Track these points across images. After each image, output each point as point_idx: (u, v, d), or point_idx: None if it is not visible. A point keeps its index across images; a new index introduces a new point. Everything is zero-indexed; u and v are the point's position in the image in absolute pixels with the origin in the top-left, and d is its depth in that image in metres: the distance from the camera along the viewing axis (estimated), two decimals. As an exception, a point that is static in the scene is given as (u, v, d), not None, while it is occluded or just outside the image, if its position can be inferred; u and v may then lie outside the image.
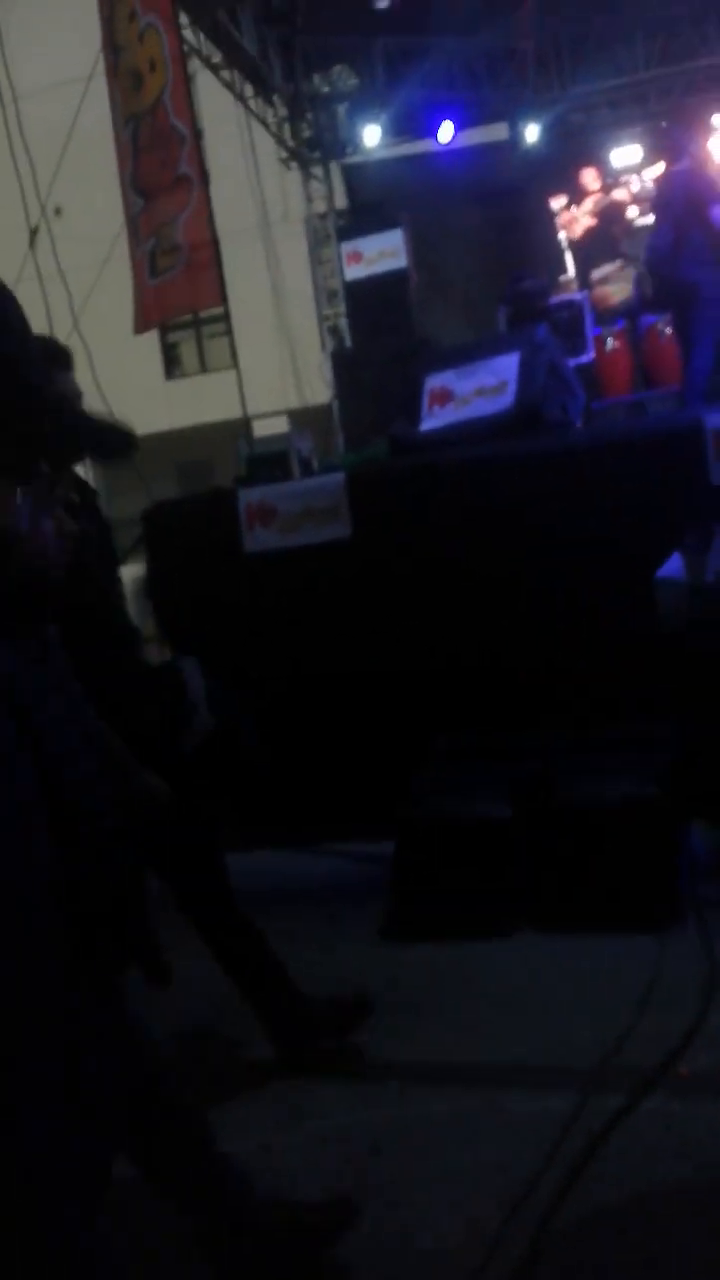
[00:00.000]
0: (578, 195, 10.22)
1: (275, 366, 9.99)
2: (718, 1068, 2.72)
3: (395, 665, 4.47)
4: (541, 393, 4.83)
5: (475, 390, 4.99)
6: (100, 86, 7.81)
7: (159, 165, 7.12)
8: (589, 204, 10.01)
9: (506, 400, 4.89)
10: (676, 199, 6.97)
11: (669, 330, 8.14)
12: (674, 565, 4.28)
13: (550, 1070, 2.81)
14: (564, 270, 10.19)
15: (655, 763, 3.77)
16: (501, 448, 4.69)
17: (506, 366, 4.97)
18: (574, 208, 10.23)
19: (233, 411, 10.88)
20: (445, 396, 5.10)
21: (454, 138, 10.74)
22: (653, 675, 4.08)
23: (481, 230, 10.46)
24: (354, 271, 8.49)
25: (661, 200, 7.50)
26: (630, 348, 8.82)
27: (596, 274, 9.48)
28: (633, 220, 10.00)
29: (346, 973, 3.33)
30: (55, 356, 2.84)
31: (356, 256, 8.46)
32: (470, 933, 3.48)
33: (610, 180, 10.35)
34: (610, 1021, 2.92)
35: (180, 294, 7.14)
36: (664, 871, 3.52)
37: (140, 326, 7.71)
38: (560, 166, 10.60)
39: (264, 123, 10.65)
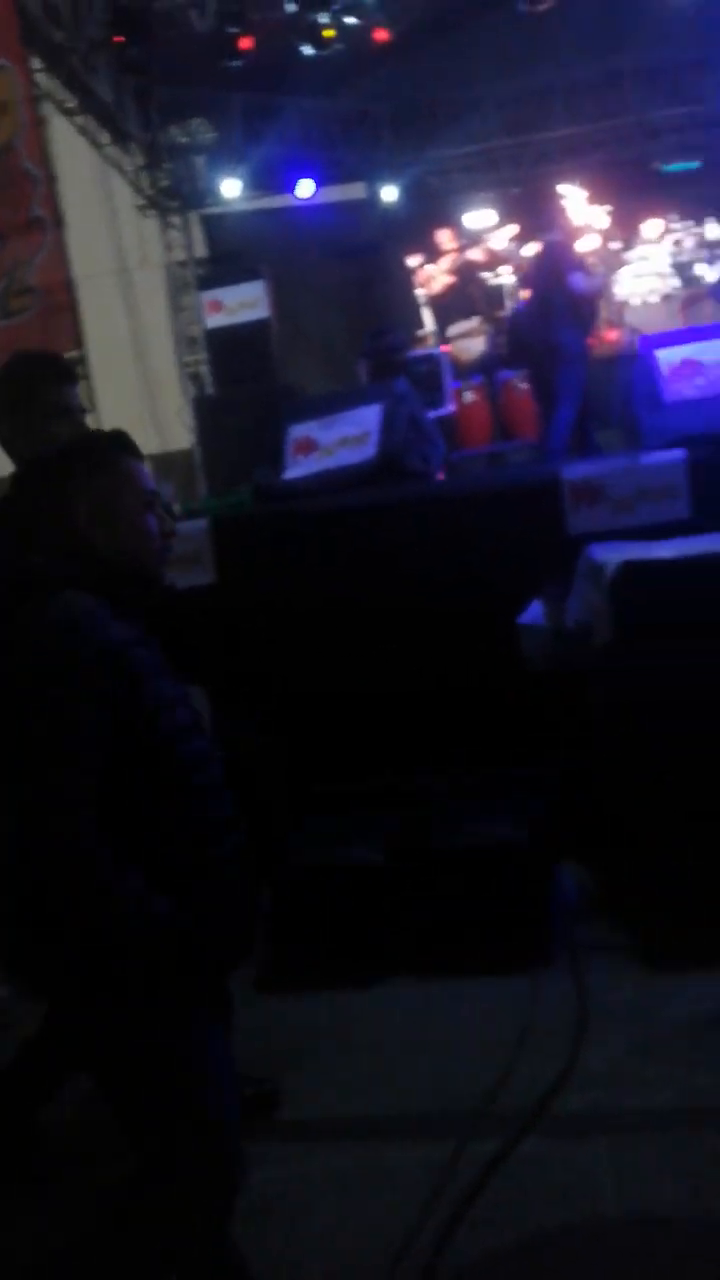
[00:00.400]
0: (434, 254, 10.55)
1: (135, 412, 9.89)
2: (589, 1109, 2.75)
3: (266, 713, 4.43)
4: (403, 443, 4.93)
5: (339, 440, 5.06)
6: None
7: (11, 207, 7.05)
8: (445, 262, 10.34)
9: (369, 450, 4.98)
10: (545, 267, 7.45)
11: (524, 385, 8.47)
12: (535, 611, 4.40)
13: (428, 1118, 2.79)
14: (421, 325, 10.47)
15: (529, 806, 3.83)
16: (365, 496, 4.75)
17: (369, 417, 5.06)
18: (429, 266, 10.55)
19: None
20: (309, 446, 5.15)
21: (314, 194, 10.96)
22: (528, 720, 4.17)
23: (341, 284, 10.69)
24: (215, 320, 8.51)
25: (533, 268, 7.99)
26: (488, 401, 9.11)
27: (453, 330, 9.77)
28: (486, 280, 10.39)
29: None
30: (65, 372, 2.83)
31: (217, 306, 8.49)
32: (347, 981, 3.44)
33: (465, 241, 10.72)
34: (487, 1066, 2.92)
35: (34, 336, 7.03)
36: (536, 914, 3.57)
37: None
38: (417, 226, 10.94)
39: (120, 170, 10.64)
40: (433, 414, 6.60)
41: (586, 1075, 2.88)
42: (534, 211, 11.10)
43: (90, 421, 9.15)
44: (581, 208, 10.85)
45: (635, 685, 3.59)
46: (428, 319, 10.46)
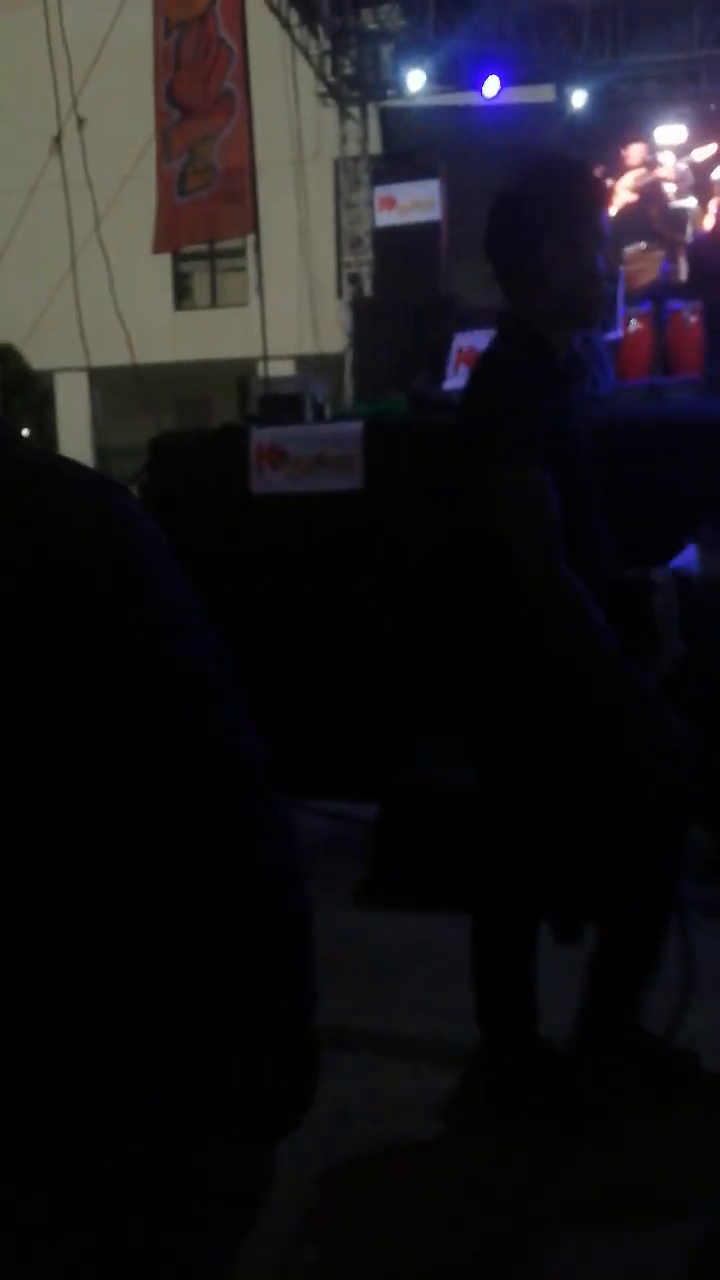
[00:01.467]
0: (618, 169, 10.00)
1: (291, 309, 9.73)
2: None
3: (398, 627, 4.37)
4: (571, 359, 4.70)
5: (505, 353, 4.86)
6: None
7: (202, 79, 6.82)
8: (629, 179, 9.80)
9: (536, 367, 4.77)
10: None
11: (694, 318, 8.02)
12: (689, 556, 4.20)
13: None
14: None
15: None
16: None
17: (539, 333, 4.84)
18: (612, 181, 10.01)
19: (241, 350, 10.65)
20: (474, 356, 4.96)
21: (499, 93, 10.46)
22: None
23: (517, 193, 10.22)
24: (385, 218, 8.25)
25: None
26: (653, 330, 8.67)
27: (630, 249, 9.30)
28: (670, 201, 9.81)
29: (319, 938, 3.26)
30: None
31: (390, 202, 8.22)
32: (450, 906, 3.40)
33: (653, 158, 10.14)
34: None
35: (209, 217, 6.89)
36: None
37: (160, 245, 7.44)
38: (603, 137, 10.36)
39: (306, 54, 10.33)
40: (606, 337, 6.30)
41: (689, 1036, 2.80)
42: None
43: (254, 316, 9.08)
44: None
45: None
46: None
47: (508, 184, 2.44)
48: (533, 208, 2.28)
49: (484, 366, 2.58)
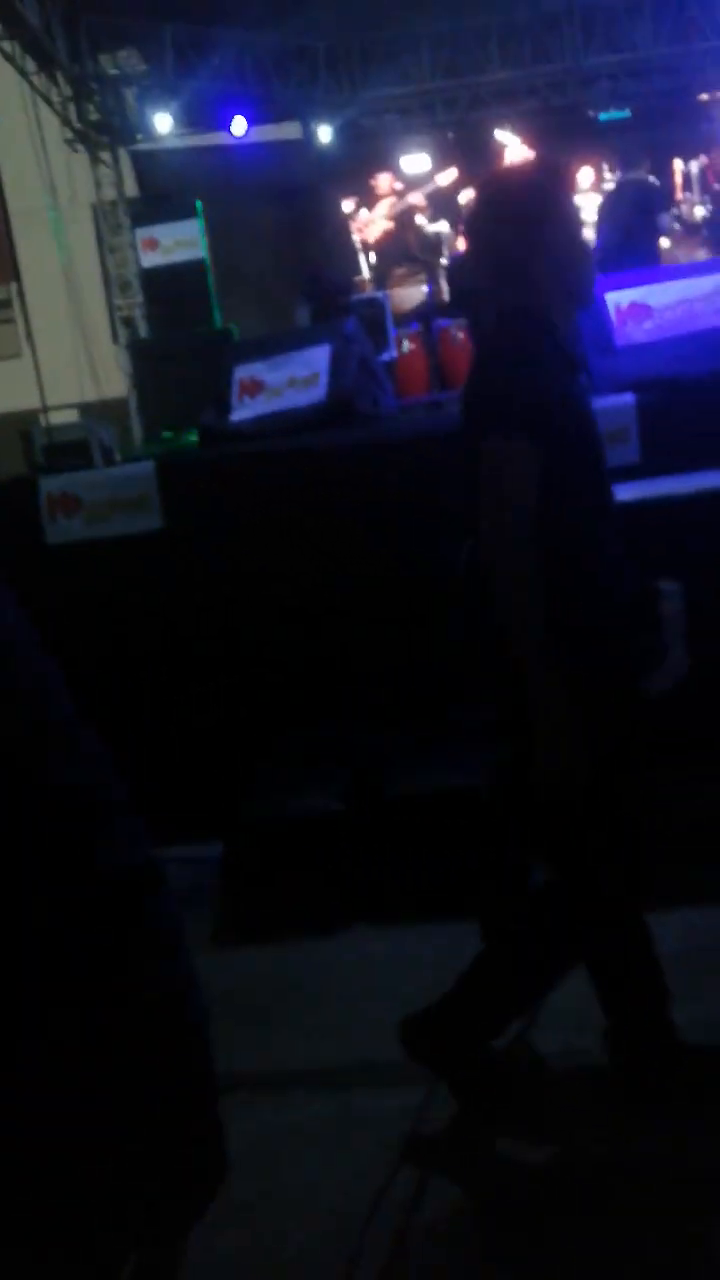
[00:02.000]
0: (370, 199, 10.34)
1: (66, 357, 9.55)
2: (559, 1051, 2.75)
3: (218, 662, 4.34)
4: (354, 385, 4.83)
5: (287, 381, 4.93)
6: None
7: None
8: (383, 207, 10.14)
9: (319, 392, 4.86)
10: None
11: (461, 335, 8.38)
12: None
13: (396, 1065, 2.75)
14: (359, 271, 10.28)
15: (483, 754, 3.81)
16: (316, 439, 4.64)
17: (318, 358, 4.94)
18: (366, 211, 10.35)
19: (18, 403, 10.37)
20: (256, 387, 5.01)
21: (247, 132, 10.64)
22: (478, 667, 4.13)
23: (276, 227, 10.43)
24: (150, 259, 8.23)
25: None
26: (425, 350, 9.00)
27: (399, 271, 9.62)
28: (423, 226, 10.22)
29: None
30: None
31: (153, 244, 8.21)
32: (305, 932, 3.40)
33: (402, 186, 10.53)
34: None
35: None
36: (494, 861, 3.56)
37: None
38: (353, 169, 10.70)
39: (48, 101, 10.21)
40: (381, 358, 6.49)
41: (550, 1015, 2.88)
42: (469, 157, 10.97)
43: (26, 367, 8.89)
44: (517, 154, 10.73)
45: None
46: (364, 264, 10.28)
47: (491, 181, 2.74)
48: (530, 197, 2.38)
49: (487, 355, 2.60)
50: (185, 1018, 0.91)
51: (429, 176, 10.80)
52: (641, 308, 5.00)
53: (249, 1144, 2.46)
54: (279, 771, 3.89)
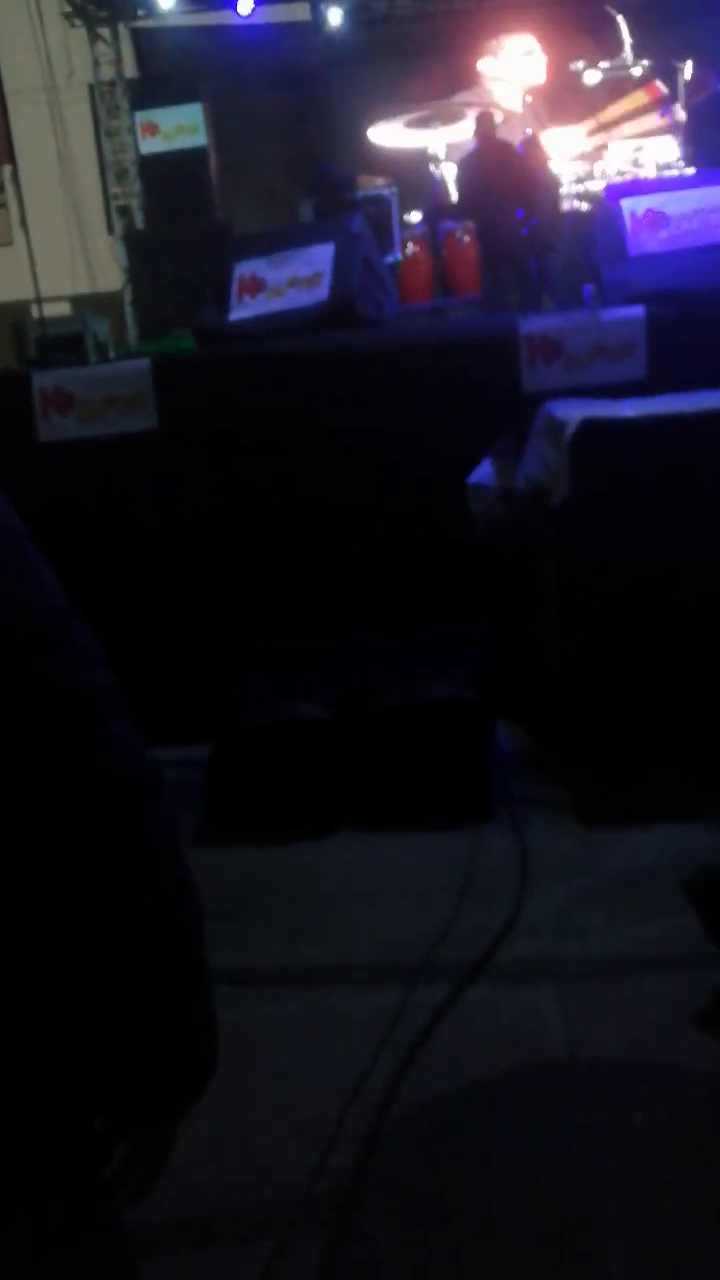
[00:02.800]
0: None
1: (61, 247, 9.26)
2: (534, 957, 2.82)
3: (208, 564, 4.32)
4: (358, 286, 4.71)
5: (289, 280, 4.81)
6: None
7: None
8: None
9: (321, 292, 4.74)
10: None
11: (468, 238, 8.13)
12: (485, 471, 4.31)
13: (376, 966, 2.83)
14: (364, 164, 9.93)
15: (470, 665, 3.82)
16: (316, 342, 4.55)
17: (321, 257, 4.81)
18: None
19: (10, 293, 10.08)
20: (256, 285, 4.88)
21: (254, 11, 10.15)
22: (470, 577, 4.13)
23: (281, 114, 10.03)
24: (150, 145, 7.92)
25: None
26: (429, 253, 8.74)
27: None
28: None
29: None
30: None
31: (153, 129, 7.89)
32: (289, 835, 3.45)
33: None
34: (431, 916, 2.97)
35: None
36: (477, 770, 3.60)
37: None
38: (362, 56, 10.25)
39: (44, -29, 9.70)
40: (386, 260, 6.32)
41: (530, 925, 2.95)
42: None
43: (19, 255, 8.56)
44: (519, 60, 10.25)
45: (591, 542, 3.55)
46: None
47: None
48: None
49: None
50: (181, 916, 0.94)
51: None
52: (658, 215, 4.86)
53: (229, 1036, 2.53)
54: (266, 676, 3.90)
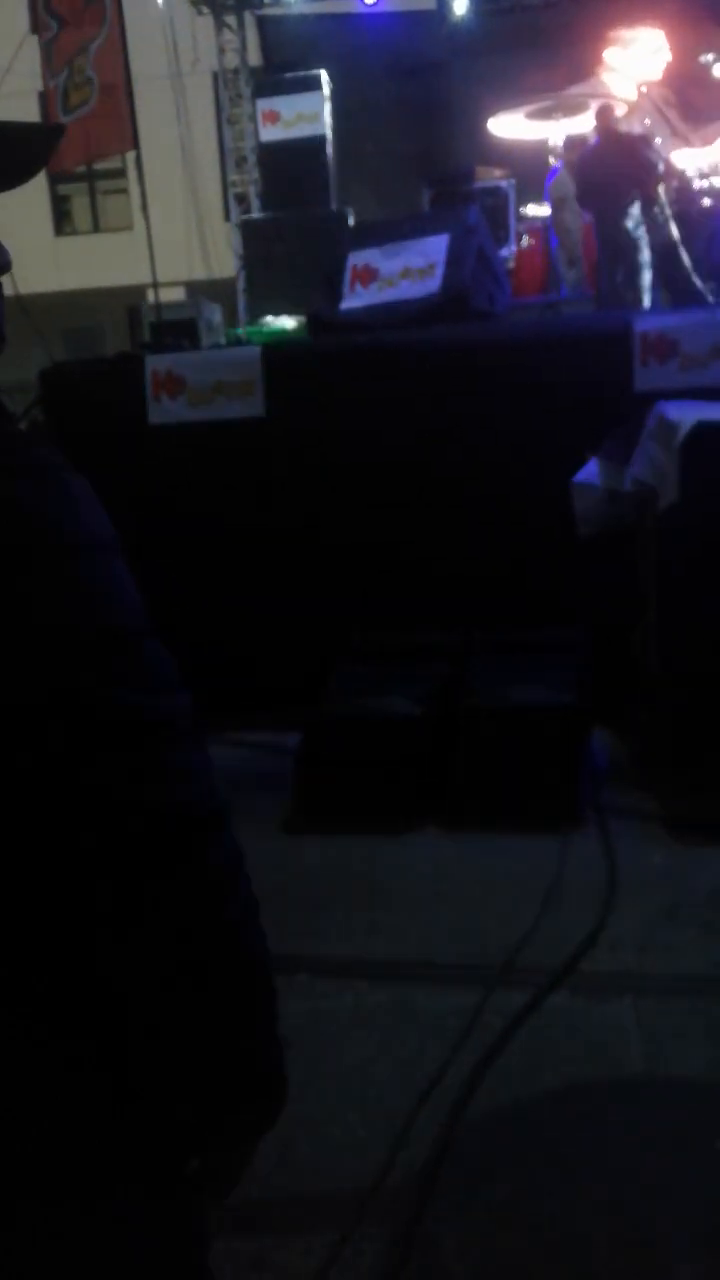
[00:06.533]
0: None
1: (178, 233, 9.38)
2: (617, 970, 2.77)
3: (310, 555, 4.33)
4: (471, 279, 4.66)
5: (402, 271, 4.79)
6: None
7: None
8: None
9: (433, 284, 4.71)
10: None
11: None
12: (591, 470, 4.23)
13: (456, 967, 2.81)
14: (482, 155, 9.83)
15: (568, 668, 3.76)
16: (426, 335, 4.52)
17: (435, 248, 4.78)
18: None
19: (128, 277, 10.25)
20: (370, 275, 4.88)
21: (379, 1, 10.14)
22: (571, 579, 4.06)
23: (401, 104, 9.98)
24: (270, 133, 7.96)
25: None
26: (545, 246, 8.62)
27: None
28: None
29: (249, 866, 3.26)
30: None
31: (273, 116, 7.93)
32: (374, 829, 3.44)
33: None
34: (514, 921, 2.94)
35: (86, 136, 6.57)
36: (570, 776, 3.54)
37: (56, 165, 7.07)
38: (487, 47, 10.14)
39: (175, -42, 9.84)
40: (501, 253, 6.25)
41: (614, 937, 2.89)
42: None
43: (139, 245, 8.67)
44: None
45: (698, 549, 3.47)
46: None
47: None
48: None
49: None
50: (238, 956, 0.88)
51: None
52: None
53: (306, 1025, 2.56)
54: (363, 668, 3.89)
